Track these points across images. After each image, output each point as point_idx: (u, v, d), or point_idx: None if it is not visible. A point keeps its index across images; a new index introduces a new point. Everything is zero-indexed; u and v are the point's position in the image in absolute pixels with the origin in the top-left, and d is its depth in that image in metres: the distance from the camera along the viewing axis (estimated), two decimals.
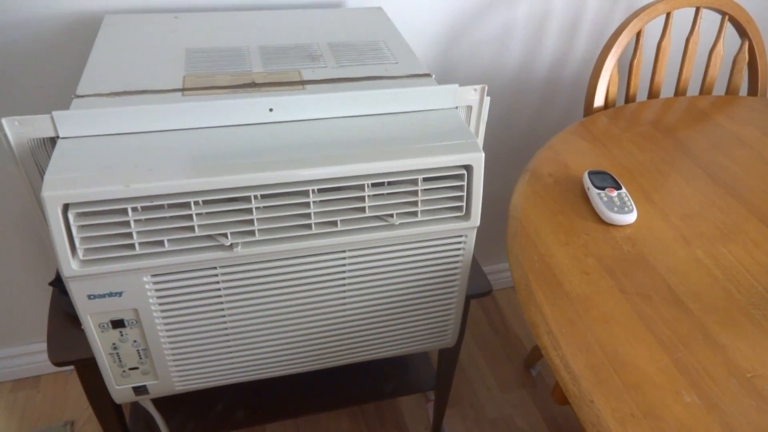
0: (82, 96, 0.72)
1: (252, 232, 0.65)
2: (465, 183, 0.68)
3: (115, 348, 0.70)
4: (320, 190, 0.65)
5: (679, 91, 1.12)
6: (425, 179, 0.68)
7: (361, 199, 0.67)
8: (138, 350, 0.71)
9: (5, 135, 0.63)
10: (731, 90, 1.14)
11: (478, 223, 0.71)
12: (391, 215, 0.68)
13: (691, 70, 1.11)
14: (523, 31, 1.18)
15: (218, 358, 0.75)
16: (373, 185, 0.67)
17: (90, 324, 0.66)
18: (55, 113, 0.63)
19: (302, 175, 0.63)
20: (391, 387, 1.16)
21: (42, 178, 0.66)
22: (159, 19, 0.92)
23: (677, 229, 0.77)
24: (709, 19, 1.26)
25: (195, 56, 0.81)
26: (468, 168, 0.68)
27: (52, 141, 0.66)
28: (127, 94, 0.73)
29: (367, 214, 0.67)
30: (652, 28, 1.23)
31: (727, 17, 1.08)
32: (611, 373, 0.59)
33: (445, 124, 0.71)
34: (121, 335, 0.68)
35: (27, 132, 0.63)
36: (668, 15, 1.05)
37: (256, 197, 0.63)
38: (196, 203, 0.62)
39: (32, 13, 0.93)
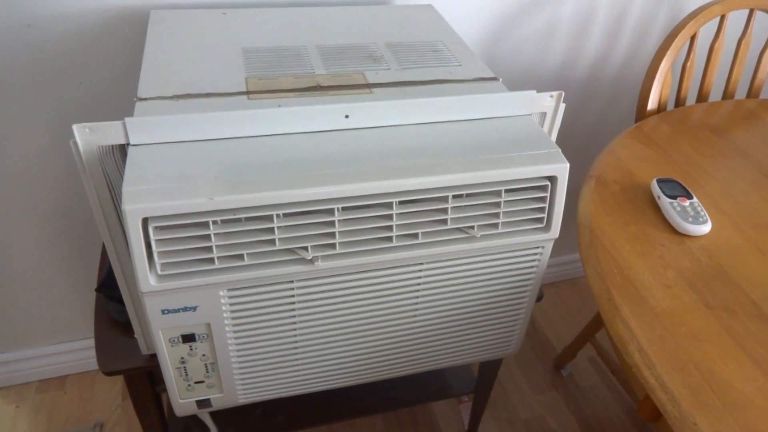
0: (145, 99, 0.69)
1: (333, 245, 0.62)
2: (548, 194, 0.66)
3: (183, 362, 0.67)
4: (401, 202, 0.63)
5: (728, 94, 1.11)
6: (507, 191, 0.66)
7: (443, 211, 0.64)
8: (206, 364, 0.68)
9: (75, 142, 0.60)
10: None
11: (557, 235, 0.69)
12: (472, 227, 0.66)
13: (741, 73, 1.09)
14: (567, 29, 1.16)
15: (284, 370, 0.72)
16: (454, 197, 0.64)
17: (161, 339, 0.64)
18: (128, 120, 0.60)
19: (387, 186, 0.60)
20: (429, 391, 1.15)
21: (109, 186, 0.64)
22: (208, 16, 0.88)
23: (752, 240, 0.75)
24: (762, 21, 1.25)
25: (253, 56, 0.78)
26: (552, 179, 0.66)
27: (121, 148, 0.63)
28: (190, 98, 0.70)
29: (449, 226, 0.65)
30: (703, 30, 1.21)
31: None
32: (710, 394, 0.57)
33: (523, 133, 0.69)
34: (191, 349, 0.66)
35: (97, 139, 0.60)
36: (723, 17, 1.03)
37: (338, 209, 0.61)
38: (278, 216, 0.60)
39: (71, 7, 0.89)
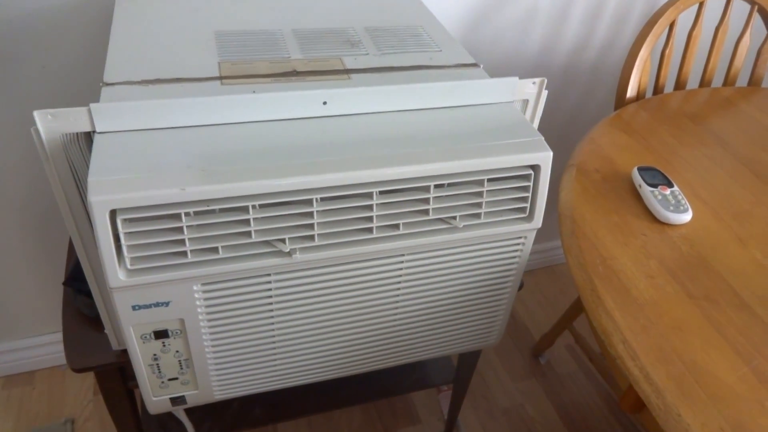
0: (112, 84, 0.65)
1: (311, 237, 0.60)
2: (531, 183, 0.65)
3: (156, 359, 0.65)
4: (382, 192, 0.61)
5: (705, 82, 1.11)
6: (489, 180, 0.64)
7: (425, 201, 0.63)
8: (179, 360, 0.66)
9: (36, 129, 0.56)
10: (754, 81, 1.13)
11: (540, 225, 0.68)
12: (454, 217, 0.65)
13: (718, 61, 1.09)
14: (546, 16, 1.14)
15: (262, 365, 0.70)
16: (435, 186, 0.63)
17: (132, 335, 0.61)
18: (93, 106, 0.57)
19: (368, 176, 0.58)
20: (408, 382, 1.14)
21: (74, 176, 0.60)
22: None
23: (731, 228, 0.75)
24: (739, 9, 1.25)
25: (226, 39, 0.75)
26: (535, 168, 0.64)
27: (87, 136, 0.60)
28: (160, 83, 0.67)
29: (431, 216, 0.63)
30: (682, 18, 1.20)
31: (756, 7, 1.06)
32: (693, 385, 0.57)
33: (506, 120, 0.67)
34: (164, 346, 0.63)
35: (60, 126, 0.57)
36: (701, 4, 1.03)
37: (317, 200, 0.59)
38: (254, 207, 0.57)
39: None
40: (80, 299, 0.83)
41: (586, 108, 1.33)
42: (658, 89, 1.06)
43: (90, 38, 0.91)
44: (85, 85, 0.96)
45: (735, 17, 1.26)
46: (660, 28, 1.00)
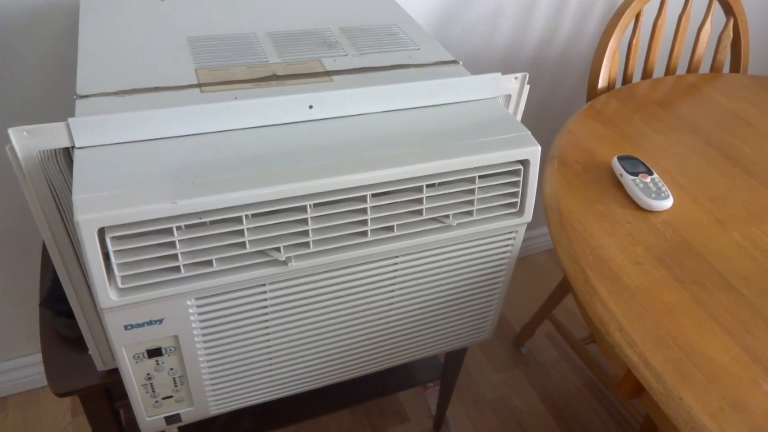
0: (86, 96, 0.63)
1: (306, 244, 0.59)
2: (521, 178, 0.65)
3: (150, 378, 0.62)
4: (375, 195, 0.60)
5: (670, 70, 1.14)
6: (480, 177, 0.64)
7: (418, 201, 0.62)
8: (174, 378, 0.64)
9: (12, 147, 0.54)
10: (716, 67, 1.17)
11: (530, 219, 0.68)
12: (447, 216, 0.65)
13: (681, 49, 1.12)
14: (513, 11, 1.15)
15: (258, 376, 0.69)
16: (428, 186, 0.62)
17: (124, 356, 0.59)
18: (71, 120, 0.55)
19: (362, 179, 0.58)
20: (396, 381, 1.14)
21: (53, 195, 0.58)
22: (145, 3, 0.82)
23: (710, 212, 0.77)
24: None
25: (200, 45, 0.73)
26: (524, 163, 0.65)
27: (65, 152, 0.57)
28: (137, 93, 0.64)
29: (424, 216, 0.63)
30: (646, 8, 1.23)
31: None
32: (691, 367, 0.58)
33: (491, 116, 0.67)
34: (158, 364, 0.61)
35: (37, 143, 0.54)
36: None
37: (311, 206, 0.58)
38: (247, 217, 0.56)
39: None
40: (59, 320, 0.79)
41: (555, 98, 1.35)
42: (626, 79, 1.09)
43: (57, 49, 0.87)
44: (55, 98, 0.92)
45: (696, 6, 1.30)
46: (627, 19, 1.02)
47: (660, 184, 0.78)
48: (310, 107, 0.63)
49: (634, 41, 1.05)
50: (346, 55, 0.75)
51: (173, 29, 0.76)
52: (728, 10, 1.12)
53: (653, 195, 0.76)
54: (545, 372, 1.41)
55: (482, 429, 1.28)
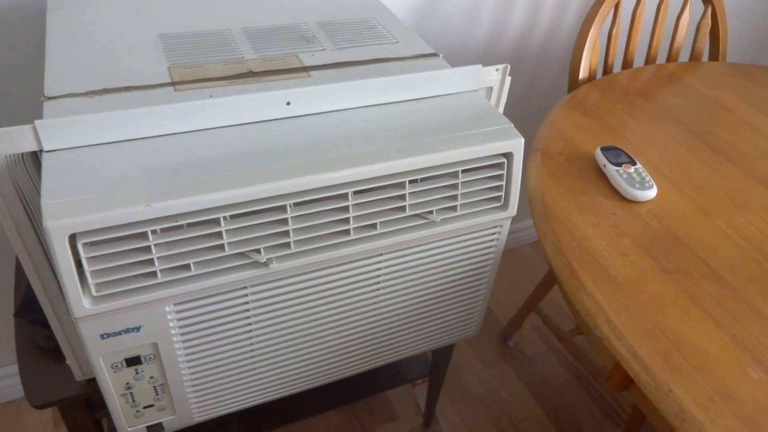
0: (54, 98, 0.60)
1: (287, 245, 0.58)
2: (505, 172, 0.64)
3: (129, 387, 0.61)
4: (356, 192, 0.59)
5: (650, 59, 1.13)
6: (463, 171, 0.63)
7: (401, 197, 0.61)
8: (155, 386, 0.62)
9: None
10: (694, 56, 1.17)
11: (515, 212, 0.67)
12: (431, 212, 0.63)
13: (661, 38, 1.12)
14: (493, 2, 1.14)
15: (242, 381, 0.67)
16: (410, 182, 0.61)
17: (102, 366, 0.57)
18: (38, 123, 0.52)
19: (342, 176, 0.56)
20: (384, 380, 1.12)
21: (22, 201, 0.56)
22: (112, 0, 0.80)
23: (694, 201, 0.77)
24: None
25: (173, 42, 0.71)
26: (508, 155, 0.64)
27: (33, 156, 0.55)
28: (107, 93, 0.62)
29: (407, 213, 0.62)
30: None
31: None
32: (680, 358, 0.58)
33: (473, 109, 0.66)
34: (137, 373, 0.60)
35: (3, 147, 0.52)
36: None
37: (290, 206, 0.56)
38: (225, 218, 0.54)
39: None
40: (35, 330, 0.77)
41: (537, 90, 1.34)
42: (607, 69, 1.08)
43: (22, 49, 0.85)
44: (21, 100, 0.89)
45: None
46: (606, 9, 1.01)
47: (644, 174, 0.77)
48: (288, 104, 0.62)
49: (614, 31, 1.05)
50: (324, 49, 0.73)
51: (144, 26, 0.74)
52: None
53: (637, 185, 0.75)
54: (533, 365, 1.41)
55: (472, 424, 1.28)
